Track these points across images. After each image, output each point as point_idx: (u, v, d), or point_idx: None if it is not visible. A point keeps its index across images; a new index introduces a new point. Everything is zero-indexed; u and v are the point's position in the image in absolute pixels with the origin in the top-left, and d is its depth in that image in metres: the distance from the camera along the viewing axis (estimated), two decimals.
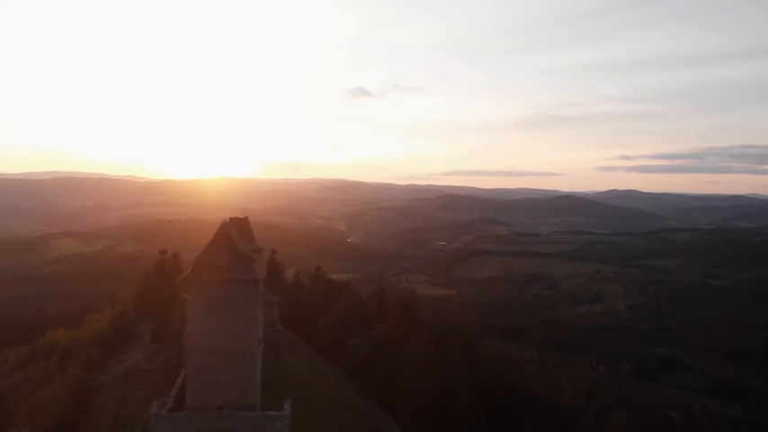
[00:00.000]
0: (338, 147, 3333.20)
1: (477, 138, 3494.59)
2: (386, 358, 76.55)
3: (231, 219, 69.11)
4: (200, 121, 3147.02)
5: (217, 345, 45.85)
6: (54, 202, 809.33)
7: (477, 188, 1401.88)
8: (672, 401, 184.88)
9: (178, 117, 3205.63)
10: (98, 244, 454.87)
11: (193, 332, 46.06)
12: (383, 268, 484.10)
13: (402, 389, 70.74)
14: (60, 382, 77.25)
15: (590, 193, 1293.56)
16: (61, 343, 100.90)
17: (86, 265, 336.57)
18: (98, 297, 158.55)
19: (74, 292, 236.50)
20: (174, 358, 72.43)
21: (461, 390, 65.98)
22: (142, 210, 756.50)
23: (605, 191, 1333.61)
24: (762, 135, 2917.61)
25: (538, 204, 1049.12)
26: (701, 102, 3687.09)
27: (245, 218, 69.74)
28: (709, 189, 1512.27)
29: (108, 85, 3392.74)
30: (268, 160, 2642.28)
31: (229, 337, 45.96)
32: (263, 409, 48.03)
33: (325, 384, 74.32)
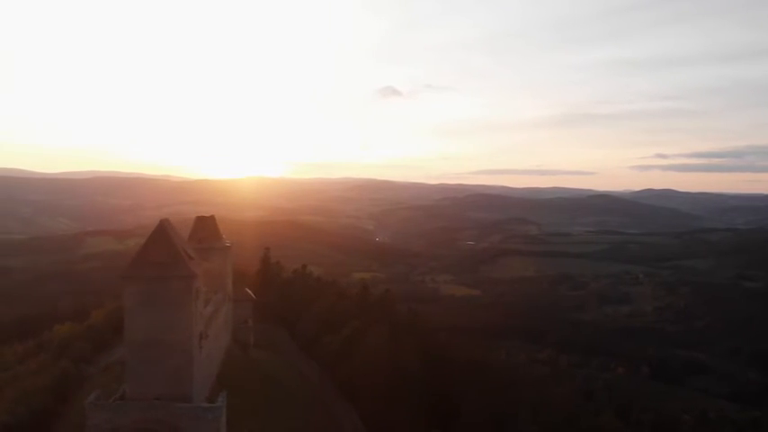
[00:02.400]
0: (369, 146, 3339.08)
1: (510, 136, 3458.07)
2: (353, 354, 77.62)
3: (198, 217, 71.08)
4: (233, 122, 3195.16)
5: (153, 338, 47.54)
6: (92, 201, 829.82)
7: (508, 187, 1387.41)
8: (687, 404, 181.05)
9: (213, 118, 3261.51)
10: (131, 242, 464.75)
11: (131, 326, 47.80)
12: (410, 267, 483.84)
13: (360, 384, 71.68)
14: (46, 374, 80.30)
15: (625, 193, 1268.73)
16: (61, 336, 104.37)
17: (117, 263, 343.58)
18: (117, 293, 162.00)
19: (97, 288, 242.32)
20: None
21: (410, 386, 66.55)
22: (177, 208, 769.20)
23: (641, 190, 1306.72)
24: None
25: (571, 204, 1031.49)
26: (741, 99, 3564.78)
27: (212, 216, 71.39)
28: (748, 188, 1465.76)
29: (147, 87, 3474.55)
30: (299, 160, 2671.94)
31: (165, 332, 47.62)
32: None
33: (295, 379, 75.60)
